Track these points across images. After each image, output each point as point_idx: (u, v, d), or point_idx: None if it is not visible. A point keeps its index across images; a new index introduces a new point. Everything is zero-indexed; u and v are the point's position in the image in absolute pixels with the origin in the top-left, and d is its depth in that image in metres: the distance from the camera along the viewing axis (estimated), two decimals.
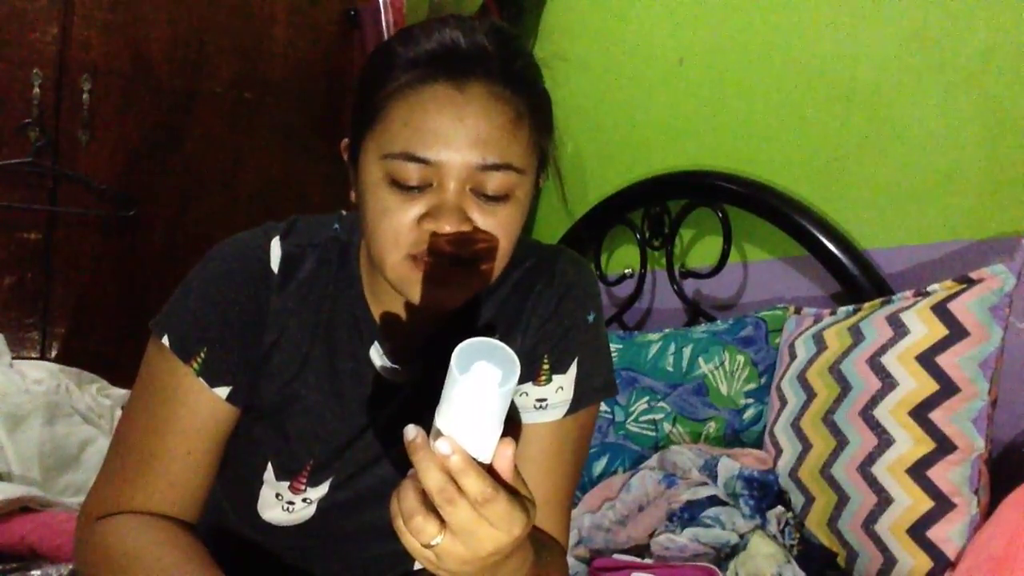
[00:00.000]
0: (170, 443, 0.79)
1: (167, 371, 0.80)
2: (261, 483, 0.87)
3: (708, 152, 1.82)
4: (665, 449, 1.42)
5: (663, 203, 1.88)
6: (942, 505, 1.11)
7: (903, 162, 1.44)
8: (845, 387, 1.25)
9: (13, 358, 1.93)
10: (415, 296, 0.74)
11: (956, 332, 1.16)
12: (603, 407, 1.61)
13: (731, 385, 1.52)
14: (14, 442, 1.62)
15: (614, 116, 2.08)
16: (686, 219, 1.83)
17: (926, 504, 1.12)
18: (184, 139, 2.37)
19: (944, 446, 1.13)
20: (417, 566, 0.94)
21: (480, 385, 0.56)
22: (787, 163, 1.65)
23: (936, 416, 1.14)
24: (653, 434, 1.56)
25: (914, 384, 1.16)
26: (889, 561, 1.13)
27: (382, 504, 0.65)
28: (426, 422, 0.61)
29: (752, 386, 1.51)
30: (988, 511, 1.09)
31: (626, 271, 2.02)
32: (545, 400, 0.86)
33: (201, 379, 0.79)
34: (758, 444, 1.46)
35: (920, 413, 1.15)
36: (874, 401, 1.20)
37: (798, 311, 1.49)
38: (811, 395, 1.31)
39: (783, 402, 1.37)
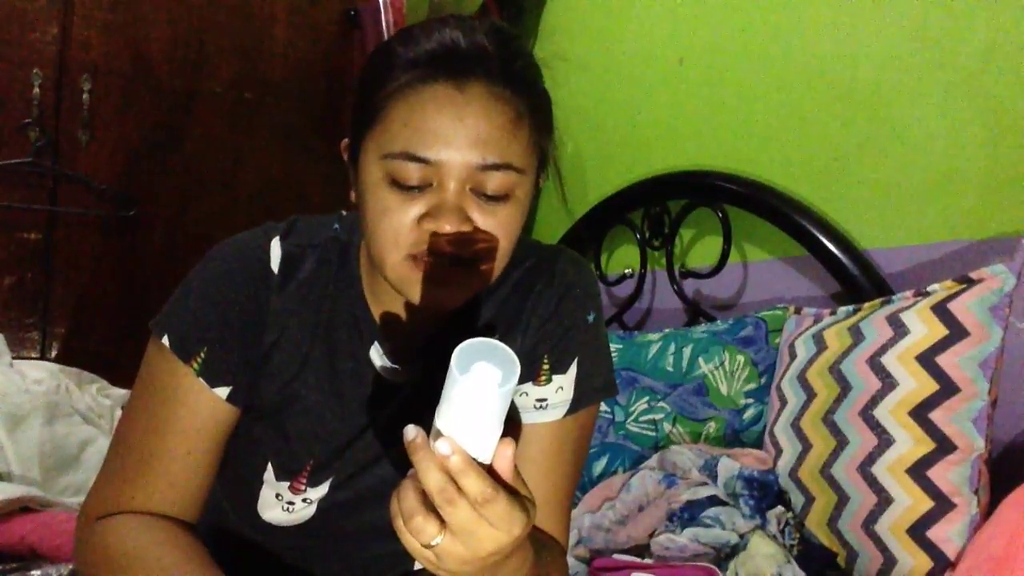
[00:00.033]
0: (170, 443, 0.79)
1: (167, 371, 0.80)
2: (261, 483, 0.87)
3: (708, 152, 1.82)
4: (665, 449, 1.42)
5: (663, 203, 1.88)
6: (942, 505, 1.11)
7: (903, 162, 1.44)
8: (845, 387, 1.25)
9: (13, 358, 1.93)
10: (415, 296, 0.74)
11: (956, 332, 1.16)
12: (603, 407, 1.61)
13: (731, 385, 1.52)
14: (14, 442, 1.62)
15: (614, 116, 2.08)
16: (686, 219, 1.83)
17: (926, 504, 1.12)
18: (184, 139, 2.36)
19: (944, 446, 1.13)
20: (417, 566, 0.94)
21: (480, 385, 0.56)
22: (787, 163, 1.65)
23: (936, 416, 1.14)
24: (653, 434, 1.56)
25: (914, 384, 1.16)
26: (889, 561, 1.13)
27: (382, 504, 0.65)
28: (426, 422, 0.61)
29: (752, 386, 1.51)
30: (988, 511, 1.09)
31: (626, 271, 2.02)
32: (545, 400, 0.86)
33: (201, 379, 0.79)
34: (758, 444, 1.46)
35: (920, 413, 1.15)
36: (874, 401, 1.20)
37: (798, 311, 1.49)
38: (811, 395, 1.31)
39: (783, 402, 1.37)
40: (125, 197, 2.28)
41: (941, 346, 1.16)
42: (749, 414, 1.50)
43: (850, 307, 1.36)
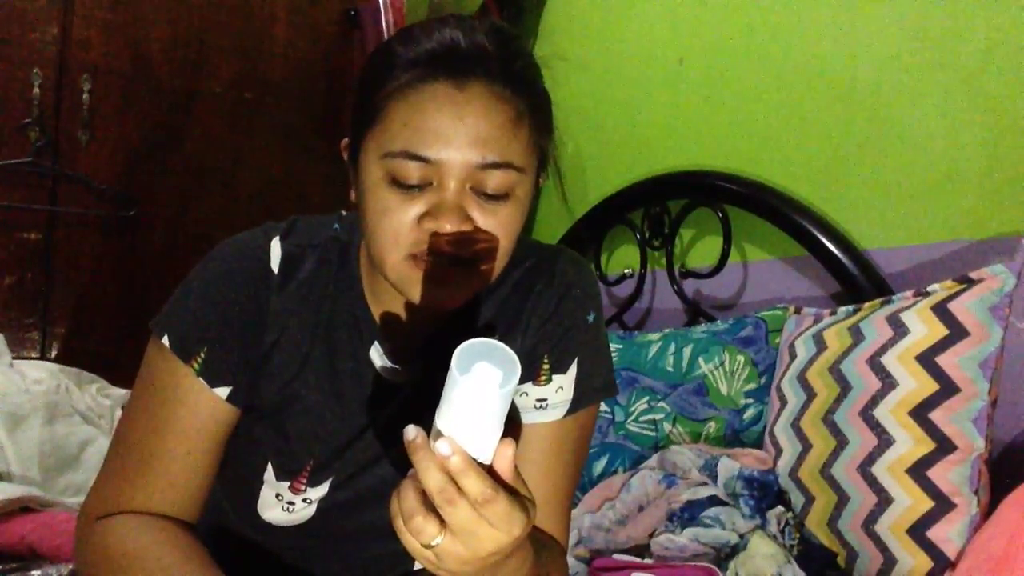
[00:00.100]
0: (170, 443, 0.79)
1: (167, 371, 0.80)
2: (261, 483, 0.87)
3: (708, 152, 1.82)
4: (665, 449, 1.42)
5: (663, 203, 1.88)
6: (942, 505, 1.11)
7: (903, 162, 1.44)
8: (845, 387, 1.25)
9: (13, 358, 1.93)
10: (415, 296, 0.74)
11: (956, 332, 1.16)
12: (603, 407, 1.61)
13: (731, 385, 1.52)
14: (14, 442, 1.62)
15: (614, 116, 2.08)
16: (686, 219, 1.83)
17: (926, 504, 1.12)
18: (184, 139, 2.37)
19: (944, 446, 1.13)
20: (417, 566, 0.94)
21: (480, 386, 0.56)
22: (787, 163, 1.65)
23: (936, 416, 1.14)
24: (653, 434, 1.56)
25: (914, 384, 1.16)
26: (889, 561, 1.13)
27: (382, 504, 0.65)
28: (426, 422, 0.61)
29: (752, 386, 1.51)
30: (988, 511, 1.09)
31: (626, 271, 2.02)
32: (545, 400, 0.86)
33: (201, 379, 0.79)
34: (758, 444, 1.46)
35: (920, 413, 1.15)
36: (874, 401, 1.20)
37: (798, 311, 1.49)
38: (811, 395, 1.31)
39: (783, 402, 1.37)
40: (125, 197, 2.28)
41: (941, 346, 1.16)
42: (749, 414, 1.50)
43: (850, 307, 1.36)
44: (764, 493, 1.26)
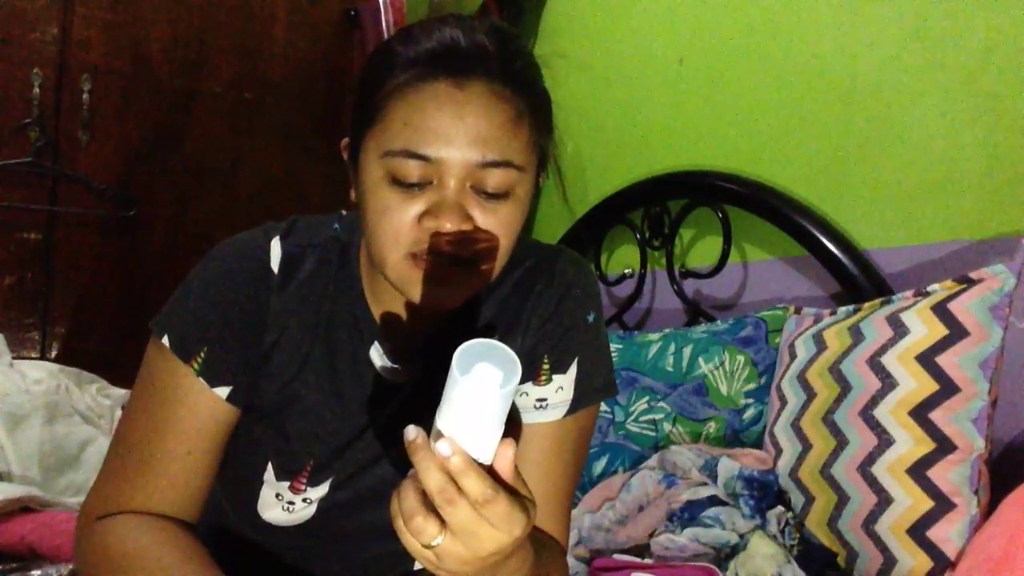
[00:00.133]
0: (170, 443, 0.79)
1: (167, 371, 0.80)
2: (261, 483, 0.87)
3: (708, 152, 1.82)
4: (665, 449, 1.42)
5: (663, 203, 1.88)
6: (942, 505, 1.11)
7: (903, 162, 1.44)
8: (845, 387, 1.25)
9: (13, 358, 1.93)
10: (415, 295, 0.74)
11: (956, 332, 1.16)
12: (603, 407, 1.61)
13: (731, 385, 1.52)
14: (14, 442, 1.62)
15: (614, 116, 2.08)
16: (686, 219, 1.83)
17: (926, 504, 1.12)
18: (184, 139, 2.37)
19: (944, 446, 1.13)
20: (417, 566, 0.94)
21: (481, 387, 0.56)
22: (787, 163, 1.65)
23: (936, 416, 1.14)
24: (653, 434, 1.56)
25: (914, 384, 1.16)
26: (889, 561, 1.13)
27: (382, 504, 0.65)
28: (426, 422, 0.61)
29: (752, 386, 1.51)
30: (988, 511, 1.09)
31: (626, 271, 2.02)
32: (545, 400, 0.86)
33: (201, 379, 0.79)
34: (758, 444, 1.46)
35: (920, 413, 1.15)
36: (874, 401, 1.20)
37: (798, 311, 1.49)
38: (811, 395, 1.31)
39: (783, 402, 1.37)
40: (125, 197, 2.28)
41: (941, 346, 1.16)
42: (749, 414, 1.50)
43: (850, 307, 1.36)
44: (764, 493, 1.26)
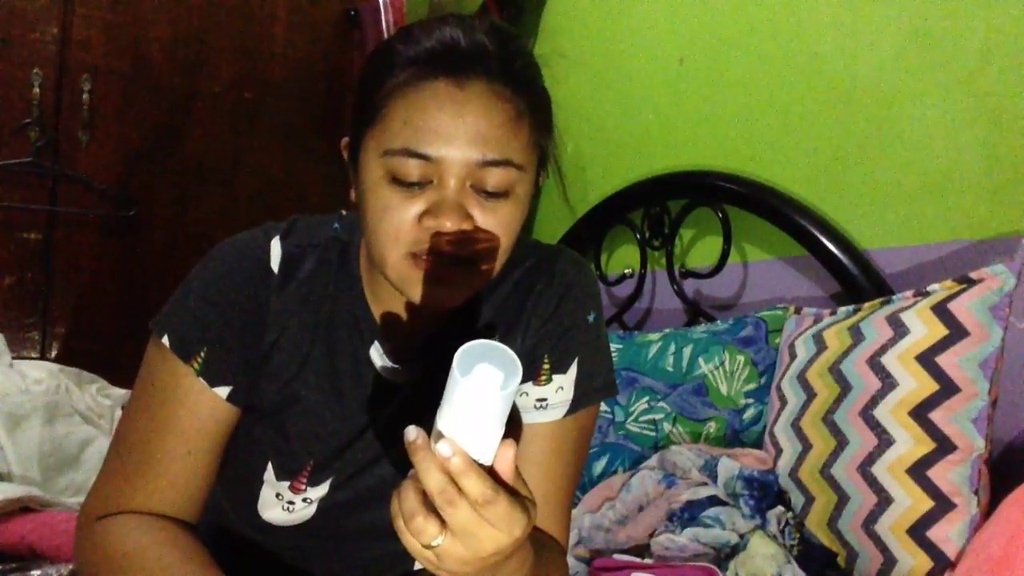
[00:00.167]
0: (170, 443, 0.79)
1: (167, 371, 0.80)
2: (261, 483, 0.87)
3: (708, 152, 1.82)
4: (665, 449, 1.42)
5: (663, 203, 1.88)
6: (942, 505, 1.11)
7: (903, 162, 1.44)
8: (845, 387, 1.25)
9: (13, 358, 1.93)
10: (415, 295, 0.74)
11: (956, 332, 1.16)
12: (603, 407, 1.61)
13: (731, 385, 1.52)
14: (14, 442, 1.62)
15: (614, 116, 2.08)
16: (686, 219, 1.83)
17: (926, 504, 1.12)
18: (184, 139, 2.37)
19: (944, 446, 1.13)
20: (417, 566, 0.94)
21: (481, 387, 0.56)
22: (787, 163, 1.65)
23: (936, 416, 1.14)
24: (653, 434, 1.56)
25: (914, 384, 1.16)
26: (889, 561, 1.13)
27: (382, 504, 0.65)
28: (426, 422, 0.61)
29: (752, 386, 1.51)
30: (988, 511, 1.09)
31: (626, 271, 2.02)
32: (545, 400, 0.86)
33: (201, 379, 0.79)
34: (758, 444, 1.46)
35: (920, 413, 1.15)
36: (874, 401, 1.20)
37: (798, 311, 1.49)
38: (811, 395, 1.31)
39: (783, 402, 1.37)
40: (125, 197, 2.28)
41: (941, 346, 1.16)
42: (749, 414, 1.50)
43: (850, 307, 1.36)
44: (764, 493, 1.26)
